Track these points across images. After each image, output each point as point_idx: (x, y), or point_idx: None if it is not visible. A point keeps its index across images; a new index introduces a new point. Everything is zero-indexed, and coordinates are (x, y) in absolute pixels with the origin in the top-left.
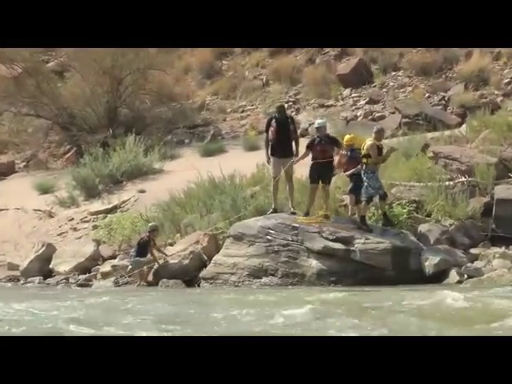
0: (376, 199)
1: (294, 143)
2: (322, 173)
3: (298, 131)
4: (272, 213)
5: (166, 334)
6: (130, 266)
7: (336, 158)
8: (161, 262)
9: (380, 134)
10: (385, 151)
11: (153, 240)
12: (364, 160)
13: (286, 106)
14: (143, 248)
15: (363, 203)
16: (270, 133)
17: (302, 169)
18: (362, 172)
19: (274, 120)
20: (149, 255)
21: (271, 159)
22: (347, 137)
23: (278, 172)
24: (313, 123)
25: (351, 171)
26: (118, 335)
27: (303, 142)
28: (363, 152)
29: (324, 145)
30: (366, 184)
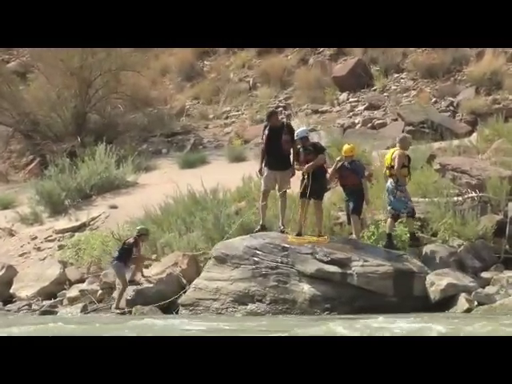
0: (389, 216)
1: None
2: (310, 186)
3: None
4: (260, 230)
5: None
6: (109, 270)
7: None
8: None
9: (405, 143)
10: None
11: (139, 247)
12: (394, 172)
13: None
14: (128, 252)
15: (408, 218)
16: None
17: (293, 183)
18: (392, 186)
19: (268, 127)
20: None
21: (263, 170)
22: (346, 147)
23: (269, 185)
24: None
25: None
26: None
27: None
28: (391, 163)
29: (308, 154)
30: (403, 199)
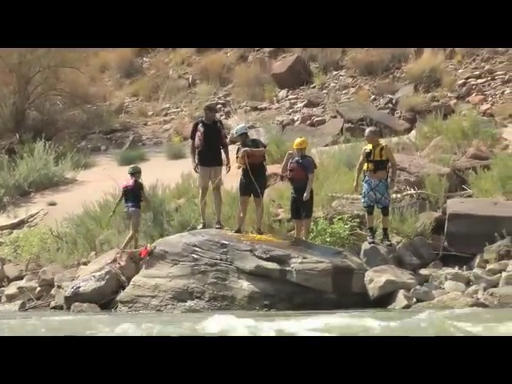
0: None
1: (223, 150)
2: (251, 183)
3: (228, 137)
4: (202, 229)
5: None
6: (130, 216)
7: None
8: None
9: (370, 137)
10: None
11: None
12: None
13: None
14: (137, 194)
15: (366, 214)
16: (196, 138)
17: (232, 180)
18: None
19: (201, 124)
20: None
21: (199, 168)
22: (298, 140)
23: (206, 183)
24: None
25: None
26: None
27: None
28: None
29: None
30: (361, 193)
